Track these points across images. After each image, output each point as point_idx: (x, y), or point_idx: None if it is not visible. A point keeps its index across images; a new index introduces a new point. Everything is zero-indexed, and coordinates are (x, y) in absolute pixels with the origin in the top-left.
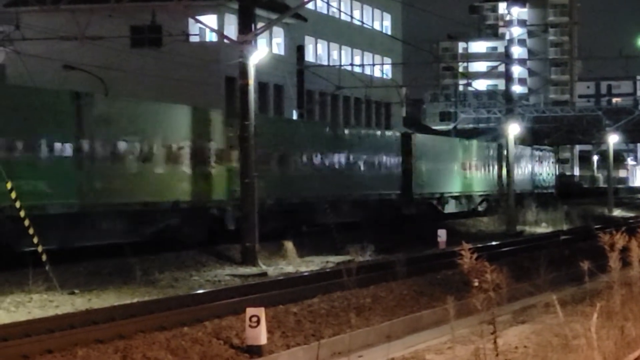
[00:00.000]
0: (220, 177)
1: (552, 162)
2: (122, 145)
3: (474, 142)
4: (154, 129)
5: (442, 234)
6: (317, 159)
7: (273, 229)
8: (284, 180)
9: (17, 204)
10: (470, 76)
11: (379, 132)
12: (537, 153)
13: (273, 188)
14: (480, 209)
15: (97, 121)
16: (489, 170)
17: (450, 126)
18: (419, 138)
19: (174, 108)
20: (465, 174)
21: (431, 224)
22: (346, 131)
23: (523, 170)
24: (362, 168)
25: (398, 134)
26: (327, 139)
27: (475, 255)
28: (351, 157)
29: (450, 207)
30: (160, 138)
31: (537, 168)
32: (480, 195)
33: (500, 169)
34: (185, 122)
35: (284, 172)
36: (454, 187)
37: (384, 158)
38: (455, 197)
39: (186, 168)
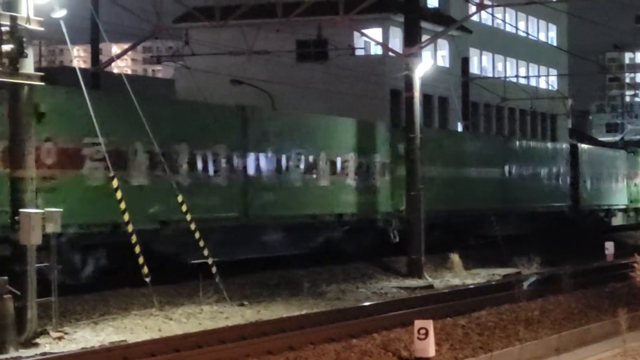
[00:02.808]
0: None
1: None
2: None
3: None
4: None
5: (609, 246)
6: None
7: (439, 241)
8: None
9: (188, 217)
10: (638, 87)
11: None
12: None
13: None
14: None
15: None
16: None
17: (617, 137)
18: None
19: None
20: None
21: (598, 236)
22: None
23: (606, 180)
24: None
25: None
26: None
27: None
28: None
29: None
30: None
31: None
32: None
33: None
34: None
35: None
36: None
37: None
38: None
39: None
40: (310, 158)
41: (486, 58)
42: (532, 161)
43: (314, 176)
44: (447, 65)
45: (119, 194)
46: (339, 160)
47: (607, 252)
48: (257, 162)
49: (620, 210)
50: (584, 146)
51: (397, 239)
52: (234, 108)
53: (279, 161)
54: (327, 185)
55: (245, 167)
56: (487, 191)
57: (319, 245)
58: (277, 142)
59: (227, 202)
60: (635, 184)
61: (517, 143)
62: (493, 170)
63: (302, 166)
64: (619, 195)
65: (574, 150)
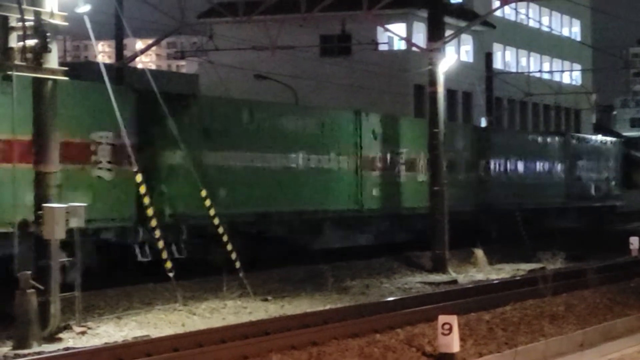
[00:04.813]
0: None
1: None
2: None
3: None
4: None
5: (634, 241)
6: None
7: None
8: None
9: (211, 212)
10: None
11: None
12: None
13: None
14: None
15: None
16: None
17: None
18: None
19: None
20: None
21: (623, 231)
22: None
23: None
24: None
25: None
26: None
27: None
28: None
29: None
30: None
31: (588, 169)
32: None
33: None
34: None
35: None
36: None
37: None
38: None
39: None
40: None
41: (510, 53)
42: (405, 149)
43: None
44: (471, 60)
45: (142, 189)
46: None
47: (631, 247)
48: None
49: (555, 209)
50: (497, 130)
51: (149, 257)
52: None
53: None
54: None
55: None
56: (320, 187)
57: None
58: None
59: None
60: (580, 178)
61: (379, 121)
62: (337, 158)
63: None
64: (552, 190)
65: (482, 135)
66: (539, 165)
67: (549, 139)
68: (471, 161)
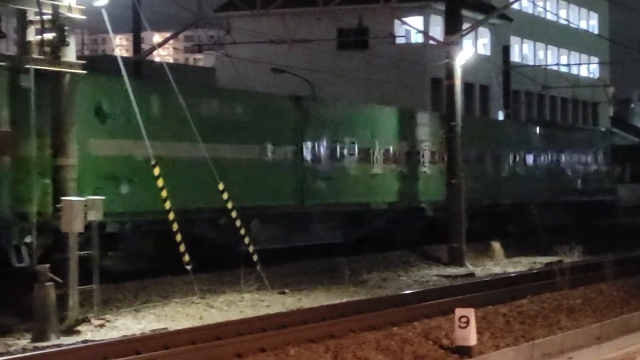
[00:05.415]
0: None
1: (604, 154)
2: None
3: None
4: None
5: None
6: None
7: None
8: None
9: (229, 205)
10: None
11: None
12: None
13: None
14: None
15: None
16: None
17: None
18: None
19: None
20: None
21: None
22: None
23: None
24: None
25: None
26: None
27: None
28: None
29: None
30: None
31: (574, 162)
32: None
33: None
34: None
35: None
36: None
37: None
38: None
39: None
40: None
41: (527, 46)
42: (357, 139)
43: None
44: (488, 53)
45: (160, 182)
46: None
47: None
48: None
49: (536, 205)
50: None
51: (27, 262)
52: None
53: None
54: None
55: None
56: (252, 181)
57: None
58: None
59: None
60: (564, 171)
61: (329, 109)
62: (273, 149)
63: None
64: (533, 185)
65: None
66: (517, 157)
67: (530, 129)
68: (439, 153)
